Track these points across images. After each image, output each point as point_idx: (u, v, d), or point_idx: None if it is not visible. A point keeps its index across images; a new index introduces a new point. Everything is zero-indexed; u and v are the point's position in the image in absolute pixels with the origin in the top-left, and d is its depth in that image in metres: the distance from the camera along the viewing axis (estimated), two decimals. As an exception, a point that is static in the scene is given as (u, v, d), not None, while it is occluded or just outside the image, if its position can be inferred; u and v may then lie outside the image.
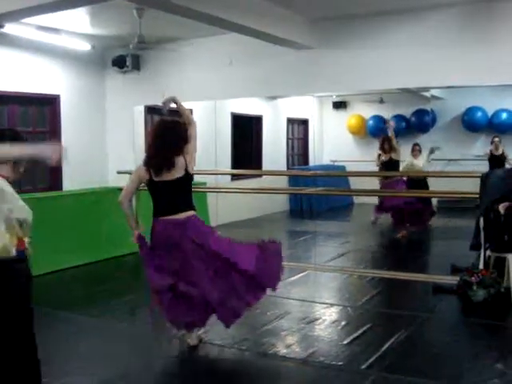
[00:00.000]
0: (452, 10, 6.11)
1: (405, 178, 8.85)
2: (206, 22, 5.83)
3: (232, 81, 7.49)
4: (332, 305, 5.39)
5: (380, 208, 9.06)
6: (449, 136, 9.91)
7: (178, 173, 4.00)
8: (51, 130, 7.98)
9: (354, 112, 11.94)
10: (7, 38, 6.79)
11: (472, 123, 10.09)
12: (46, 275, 6.24)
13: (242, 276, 4.02)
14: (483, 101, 9.76)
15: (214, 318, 4.17)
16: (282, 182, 10.90)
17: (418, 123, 10.53)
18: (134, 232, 4.11)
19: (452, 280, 5.61)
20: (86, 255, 7.01)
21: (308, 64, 6.97)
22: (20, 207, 2.77)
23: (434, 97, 9.33)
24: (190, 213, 4.06)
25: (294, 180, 11.03)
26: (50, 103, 7.98)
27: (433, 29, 6.21)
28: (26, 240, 2.78)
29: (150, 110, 8.83)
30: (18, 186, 2.88)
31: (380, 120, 10.88)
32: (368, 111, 11.50)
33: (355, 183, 10.47)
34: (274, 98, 11.16)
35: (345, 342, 4.30)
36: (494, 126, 9.84)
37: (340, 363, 3.92)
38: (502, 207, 5.22)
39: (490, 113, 9.94)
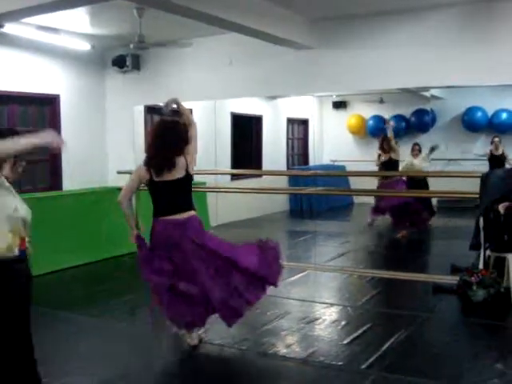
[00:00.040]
0: (452, 9, 6.11)
1: (405, 178, 8.86)
2: (205, 21, 5.83)
3: (232, 81, 7.50)
4: (332, 305, 5.39)
5: (377, 210, 9.04)
6: (449, 136, 9.90)
7: (178, 173, 4.00)
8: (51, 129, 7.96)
9: (353, 112, 11.93)
10: (7, 37, 6.79)
11: (472, 123, 10.09)
12: (45, 275, 6.24)
13: (243, 275, 4.04)
14: (483, 101, 9.76)
15: (213, 318, 4.17)
16: (282, 182, 10.89)
17: (418, 123, 10.52)
18: (132, 232, 4.11)
19: (452, 280, 5.61)
20: (86, 255, 7.02)
21: (308, 64, 6.97)
22: (22, 206, 2.78)
23: (433, 97, 9.32)
24: (191, 213, 4.07)
25: (293, 180, 11.02)
26: (49, 103, 7.98)
27: (433, 29, 6.21)
28: (26, 239, 2.78)
29: (150, 110, 8.83)
30: (18, 185, 2.87)
31: (380, 120, 10.87)
32: (368, 111, 11.49)
33: (355, 183, 10.46)
34: (273, 97, 11.15)
35: (345, 342, 4.31)
36: (493, 126, 9.83)
37: (340, 363, 3.92)
38: (501, 207, 5.22)
39: (489, 113, 9.93)
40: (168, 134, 4.06)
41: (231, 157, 10.35)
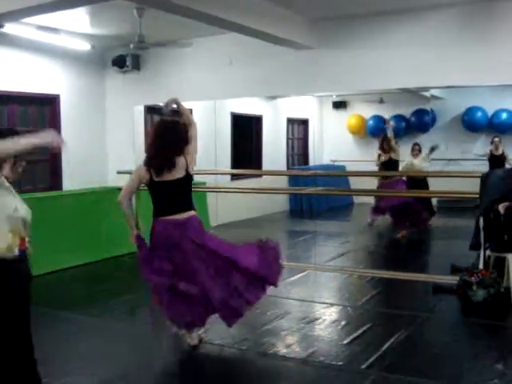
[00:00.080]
0: (452, 9, 6.11)
1: (405, 178, 8.86)
2: (205, 21, 5.83)
3: (232, 81, 7.50)
4: (332, 305, 5.39)
5: (377, 210, 9.04)
6: (449, 136, 9.90)
7: (178, 173, 4.01)
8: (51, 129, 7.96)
9: (353, 112, 11.94)
10: (7, 37, 6.79)
11: (472, 123, 10.09)
12: (45, 275, 6.24)
13: (243, 275, 4.04)
14: (483, 101, 9.76)
15: (213, 318, 4.17)
16: (282, 182, 10.89)
17: (418, 123, 10.52)
18: (132, 232, 4.11)
19: (452, 280, 5.61)
20: (86, 255, 7.02)
21: (308, 64, 6.97)
22: (22, 206, 2.78)
23: (433, 97, 9.33)
24: (191, 213, 4.08)
25: (293, 180, 11.02)
26: (49, 103, 7.98)
27: (433, 29, 6.21)
28: (26, 239, 2.78)
29: (150, 110, 8.83)
30: (18, 185, 2.87)
31: (380, 120, 10.87)
32: (368, 111, 11.50)
33: (355, 183, 10.47)
34: (273, 97, 11.16)
35: (345, 342, 4.31)
36: (493, 126, 9.83)
37: (340, 363, 3.92)
38: (501, 207, 5.22)
39: (489, 113, 9.94)
40: (168, 133, 4.06)
41: (231, 157, 10.35)
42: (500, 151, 8.97)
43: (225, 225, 9.58)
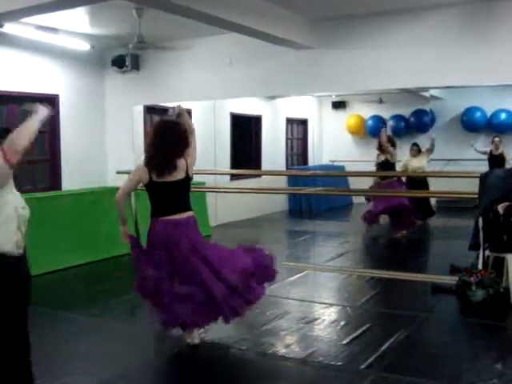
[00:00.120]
0: (452, 9, 6.11)
1: (404, 179, 8.86)
2: (205, 21, 5.82)
3: (231, 81, 7.49)
4: (331, 305, 5.40)
5: (371, 217, 8.96)
6: (448, 136, 9.91)
7: (179, 174, 4.04)
8: (50, 129, 7.97)
9: (353, 112, 11.94)
10: (6, 37, 6.78)
11: (471, 123, 10.09)
12: (45, 275, 6.23)
13: (241, 275, 4.07)
14: (482, 101, 9.76)
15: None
16: (282, 182, 10.89)
17: (417, 123, 10.51)
18: (123, 231, 4.13)
19: (451, 280, 5.61)
20: (86, 255, 7.01)
21: (307, 64, 6.96)
22: (24, 204, 2.78)
23: (433, 97, 9.33)
24: (190, 213, 4.13)
25: (293, 180, 11.03)
26: (49, 103, 7.89)
27: (433, 29, 6.21)
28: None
29: (150, 110, 8.83)
30: (19, 186, 2.87)
31: (379, 120, 10.88)
32: (367, 111, 11.49)
33: (354, 183, 10.47)
34: (273, 97, 11.16)
35: (344, 342, 4.31)
36: (493, 126, 9.84)
37: (339, 363, 3.92)
38: (501, 207, 5.22)
39: (489, 113, 9.94)
40: (168, 134, 4.08)
41: (230, 157, 10.35)
42: (500, 151, 8.97)
43: (224, 225, 9.58)
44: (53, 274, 6.46)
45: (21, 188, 2.87)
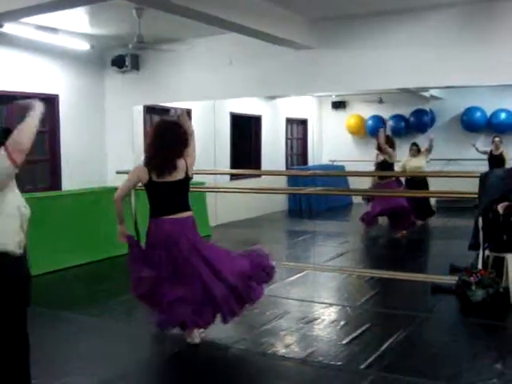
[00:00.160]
0: (452, 9, 6.11)
1: (402, 179, 8.86)
2: (205, 21, 5.82)
3: (231, 81, 7.49)
4: (331, 305, 5.39)
5: (369, 221, 8.97)
6: (448, 136, 9.92)
7: (179, 174, 4.06)
8: (50, 129, 7.97)
9: (353, 112, 11.95)
10: (6, 37, 6.78)
11: (471, 123, 10.10)
12: (45, 275, 6.23)
13: (240, 277, 4.08)
14: (482, 101, 9.77)
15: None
16: (281, 182, 10.90)
17: (417, 123, 10.53)
18: (120, 230, 4.14)
19: (451, 280, 5.61)
20: (86, 255, 7.01)
21: (307, 64, 6.97)
22: (25, 203, 2.78)
23: (433, 97, 9.34)
24: (189, 213, 4.15)
25: (293, 180, 11.04)
26: (48, 103, 7.96)
27: (433, 29, 6.21)
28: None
29: (150, 110, 8.83)
30: (21, 186, 2.87)
31: (379, 120, 10.88)
32: (367, 111, 11.50)
33: (354, 183, 10.48)
34: (273, 97, 11.16)
35: (344, 342, 4.31)
36: (492, 126, 9.85)
37: (339, 363, 3.92)
38: (500, 207, 5.22)
39: (488, 113, 9.95)
40: (168, 134, 4.09)
41: (230, 157, 10.35)
42: (500, 151, 8.97)
43: (224, 225, 9.59)
44: (53, 274, 6.46)
45: (23, 188, 2.88)
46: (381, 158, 8.73)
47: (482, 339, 4.48)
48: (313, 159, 12.30)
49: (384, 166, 8.59)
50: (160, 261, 4.03)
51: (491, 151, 9.04)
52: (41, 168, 8.01)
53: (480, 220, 5.46)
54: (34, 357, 2.87)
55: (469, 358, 3.98)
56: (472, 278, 5.20)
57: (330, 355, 4.06)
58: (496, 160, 8.79)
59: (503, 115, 9.84)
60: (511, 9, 5.83)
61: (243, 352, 4.20)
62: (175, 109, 4.49)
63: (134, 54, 7.99)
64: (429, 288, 5.69)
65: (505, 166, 8.51)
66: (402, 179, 8.85)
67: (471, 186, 5.84)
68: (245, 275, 4.11)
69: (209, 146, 8.89)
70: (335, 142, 12.08)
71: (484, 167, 7.95)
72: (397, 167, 8.92)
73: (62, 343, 4.41)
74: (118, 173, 7.48)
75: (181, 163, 4.05)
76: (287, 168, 11.95)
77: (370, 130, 11.31)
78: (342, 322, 4.81)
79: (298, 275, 6.47)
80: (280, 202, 11.71)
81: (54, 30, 6.99)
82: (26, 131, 2.64)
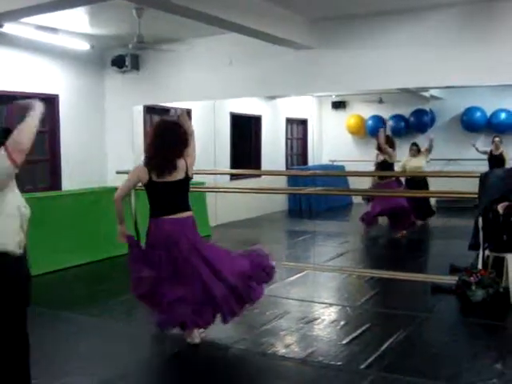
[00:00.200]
0: (452, 9, 6.11)
1: (402, 179, 8.86)
2: (205, 21, 5.83)
3: (231, 81, 7.49)
4: (331, 305, 5.40)
5: (369, 221, 8.97)
6: (448, 136, 9.92)
7: (179, 174, 4.06)
8: (50, 129, 7.97)
9: (353, 112, 11.95)
10: (6, 37, 6.78)
11: (471, 123, 10.10)
12: (45, 275, 6.23)
13: (240, 278, 4.08)
14: (482, 101, 9.77)
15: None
16: (281, 182, 10.90)
17: (417, 123, 10.53)
18: (120, 230, 4.14)
19: (451, 280, 5.61)
20: (86, 255, 7.01)
21: (307, 64, 6.97)
22: (25, 203, 2.78)
23: (433, 97, 9.34)
24: (189, 213, 4.15)
25: (293, 180, 11.04)
26: (48, 103, 7.96)
27: (433, 29, 6.21)
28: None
29: (149, 110, 8.83)
30: (22, 186, 2.87)
31: (379, 120, 10.88)
32: (367, 111, 11.50)
33: (354, 183, 10.48)
34: (273, 97, 11.16)
35: (344, 342, 4.31)
36: (492, 126, 9.85)
37: (339, 363, 3.92)
38: (500, 207, 5.22)
39: (488, 113, 9.95)
40: (167, 133, 4.09)
41: (230, 157, 10.35)
42: (499, 151, 8.97)
43: (224, 225, 9.59)
44: (53, 274, 6.46)
45: (23, 188, 2.88)
46: (381, 158, 8.72)
47: (481, 339, 4.48)
48: (313, 159, 12.30)
49: (384, 166, 8.59)
50: (160, 261, 4.03)
51: (491, 151, 9.03)
52: (41, 168, 8.01)
53: (480, 220, 5.46)
54: (34, 357, 2.88)
55: (469, 358, 3.98)
56: (472, 278, 5.20)
57: (330, 355, 4.06)
58: (496, 160, 8.79)
59: (503, 115, 9.84)
60: (511, 9, 5.83)
61: (243, 352, 4.21)
62: (175, 109, 4.49)
63: (134, 54, 8.00)
64: (429, 288, 5.69)
65: (505, 166, 8.51)
66: (402, 179, 8.85)
67: (471, 186, 5.84)
68: (245, 275, 4.12)
69: (209, 146, 8.89)
70: (335, 142, 12.08)
71: (484, 167, 7.95)
72: (397, 167, 8.92)
73: (61, 343, 4.41)
74: (117, 173, 7.48)
75: (181, 163, 4.05)
76: (287, 168, 11.95)
77: (370, 130, 11.31)
78: (342, 322, 4.82)
79: (298, 275, 6.47)
80: (280, 202, 11.71)
81: (54, 30, 6.99)
82: (26, 131, 2.64)
